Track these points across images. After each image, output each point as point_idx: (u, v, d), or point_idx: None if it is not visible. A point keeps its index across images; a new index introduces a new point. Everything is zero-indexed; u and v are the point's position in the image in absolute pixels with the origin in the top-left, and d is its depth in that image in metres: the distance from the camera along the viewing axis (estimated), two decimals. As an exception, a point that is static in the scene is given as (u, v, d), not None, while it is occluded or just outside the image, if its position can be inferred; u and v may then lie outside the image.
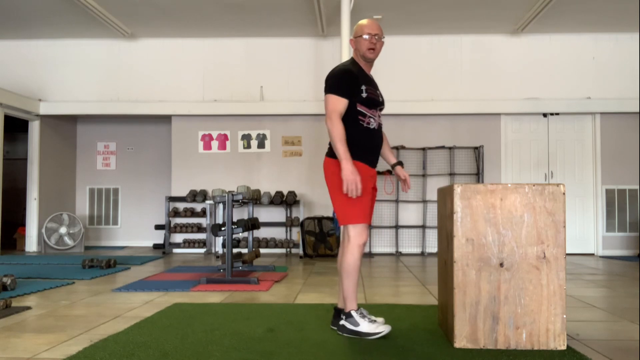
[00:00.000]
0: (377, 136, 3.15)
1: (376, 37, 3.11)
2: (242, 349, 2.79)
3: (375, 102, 3.12)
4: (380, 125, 3.17)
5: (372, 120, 3.11)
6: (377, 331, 2.99)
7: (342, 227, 3.10)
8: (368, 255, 8.12)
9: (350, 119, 3.05)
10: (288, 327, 3.29)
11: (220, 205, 8.36)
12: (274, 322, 3.40)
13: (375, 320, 3.06)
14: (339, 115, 3.00)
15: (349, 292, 3.03)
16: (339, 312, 3.15)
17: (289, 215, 8.49)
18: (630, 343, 2.96)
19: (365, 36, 3.10)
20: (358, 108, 3.06)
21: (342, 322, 3.06)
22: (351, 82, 3.04)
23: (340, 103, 3.00)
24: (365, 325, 3.00)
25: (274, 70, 8.71)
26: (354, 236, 3.01)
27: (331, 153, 3.10)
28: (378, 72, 8.55)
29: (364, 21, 3.19)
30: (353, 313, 3.02)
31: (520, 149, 8.60)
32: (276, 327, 3.29)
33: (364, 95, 3.07)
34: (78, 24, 8.16)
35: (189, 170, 8.81)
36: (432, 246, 8.49)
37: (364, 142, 3.08)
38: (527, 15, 7.62)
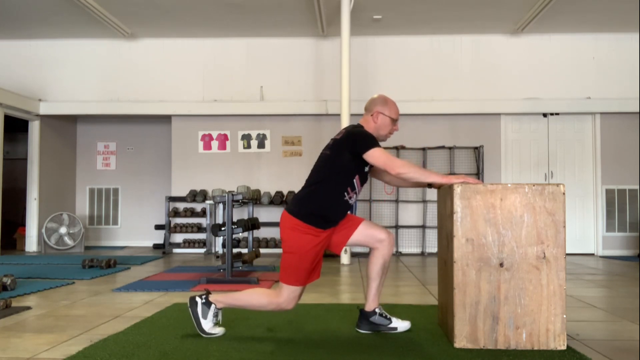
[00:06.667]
0: (346, 211, 3.01)
1: (397, 123, 3.16)
2: (242, 349, 2.79)
3: (366, 179, 3.07)
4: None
5: (354, 197, 3.01)
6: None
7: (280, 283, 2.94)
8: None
9: (337, 186, 2.93)
10: (288, 327, 3.29)
11: (220, 205, 8.36)
12: (274, 322, 3.40)
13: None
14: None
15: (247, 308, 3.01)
16: (363, 314, 3.16)
17: (289, 215, 8.47)
18: (630, 343, 2.96)
19: (393, 119, 3.13)
20: (354, 180, 2.97)
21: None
22: None
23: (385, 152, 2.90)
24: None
25: (274, 70, 8.70)
26: (285, 301, 2.90)
27: (292, 209, 2.94)
28: (379, 73, 8.67)
29: (393, 100, 3.16)
30: None
31: (520, 149, 8.59)
32: (276, 327, 3.29)
33: (366, 169, 3.02)
34: (78, 24, 8.16)
35: (189, 170, 8.81)
36: (432, 246, 8.49)
37: (331, 213, 2.95)
38: (527, 15, 7.62)
